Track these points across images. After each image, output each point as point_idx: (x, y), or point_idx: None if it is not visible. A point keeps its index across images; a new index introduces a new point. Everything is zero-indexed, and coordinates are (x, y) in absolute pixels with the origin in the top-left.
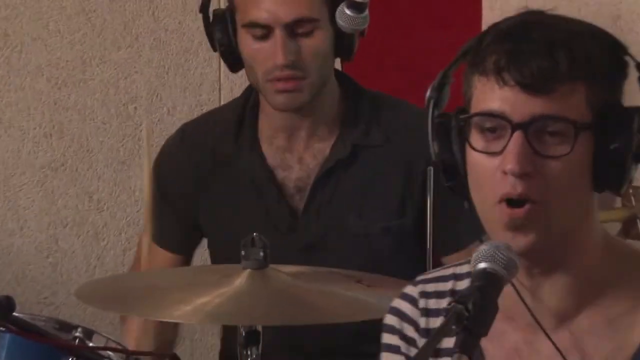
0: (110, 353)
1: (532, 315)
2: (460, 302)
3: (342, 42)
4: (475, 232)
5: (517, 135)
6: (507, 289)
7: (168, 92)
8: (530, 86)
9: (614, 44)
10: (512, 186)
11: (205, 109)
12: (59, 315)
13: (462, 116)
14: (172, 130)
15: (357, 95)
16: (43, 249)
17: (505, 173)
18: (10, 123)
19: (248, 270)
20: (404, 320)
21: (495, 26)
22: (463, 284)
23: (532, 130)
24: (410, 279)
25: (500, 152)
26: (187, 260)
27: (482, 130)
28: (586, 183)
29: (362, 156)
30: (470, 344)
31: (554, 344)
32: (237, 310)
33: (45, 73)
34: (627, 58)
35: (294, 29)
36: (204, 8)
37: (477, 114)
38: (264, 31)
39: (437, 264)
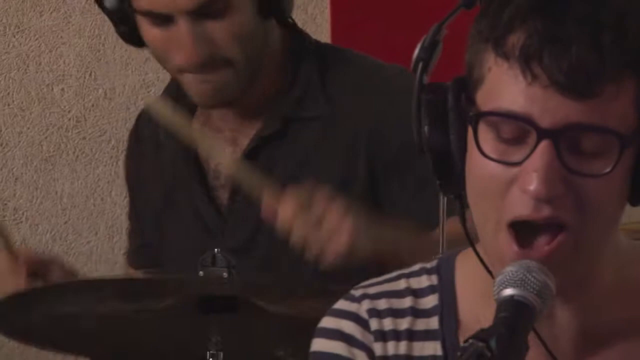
0: None
1: (546, 347)
2: (481, 339)
3: (267, 3)
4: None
5: (545, 145)
6: None
7: (105, 70)
8: (569, 86)
9: None
10: (534, 208)
11: (153, 92)
12: None
13: (471, 113)
14: (110, 118)
15: (301, 53)
16: None
17: (525, 192)
18: None
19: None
20: (353, 346)
21: None
22: (427, 302)
23: (565, 140)
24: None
25: (521, 163)
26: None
27: (500, 133)
28: (623, 200)
29: (295, 131)
30: None
31: None
32: None
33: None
34: None
35: (201, 14)
36: None
37: (494, 114)
38: (161, 18)
39: None
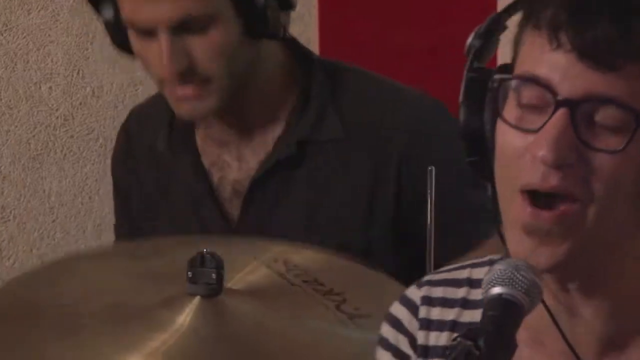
0: None
1: (567, 341)
2: (468, 338)
3: (251, 21)
4: (482, 229)
5: (562, 113)
6: (538, 307)
7: (93, 69)
8: (591, 55)
9: None
10: (542, 176)
11: (141, 91)
12: None
13: (497, 76)
14: (98, 116)
15: (309, 70)
16: None
17: (535, 158)
18: None
19: (197, 298)
20: (399, 331)
21: None
22: (479, 293)
23: (582, 110)
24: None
25: (537, 131)
26: None
27: (520, 98)
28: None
29: (313, 153)
30: None
31: None
32: None
33: None
34: None
35: (183, 28)
36: None
37: (516, 77)
38: (144, 31)
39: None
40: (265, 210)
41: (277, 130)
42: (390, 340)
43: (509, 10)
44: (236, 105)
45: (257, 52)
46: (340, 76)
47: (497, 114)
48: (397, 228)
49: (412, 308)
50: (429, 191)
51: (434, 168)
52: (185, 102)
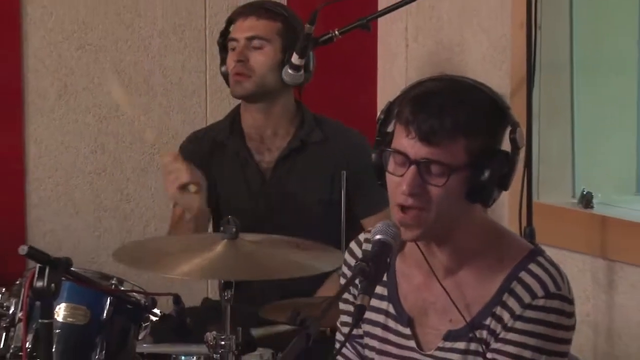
0: (134, 294)
1: (430, 266)
2: (363, 261)
3: (288, 52)
4: (386, 200)
5: (412, 168)
6: (415, 249)
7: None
8: (425, 139)
9: (498, 103)
10: (404, 199)
11: (192, 117)
12: (101, 269)
13: (382, 148)
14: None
15: (306, 112)
16: (90, 227)
17: (401, 191)
18: (70, 144)
19: (225, 240)
20: (353, 257)
21: (413, 88)
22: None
23: (422, 166)
24: (333, 242)
25: (402, 176)
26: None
27: (395, 158)
28: (462, 198)
29: (308, 148)
30: (370, 288)
31: (442, 285)
32: (218, 268)
33: (92, 111)
34: (509, 112)
35: (251, 42)
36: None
37: (392, 150)
38: (234, 43)
39: (357, 227)
40: (282, 176)
41: (288, 136)
42: (346, 258)
43: (390, 109)
44: (270, 122)
45: (280, 82)
46: (320, 116)
47: (386, 165)
48: (346, 192)
49: (359, 244)
50: (342, 190)
51: (345, 172)
52: (236, 82)
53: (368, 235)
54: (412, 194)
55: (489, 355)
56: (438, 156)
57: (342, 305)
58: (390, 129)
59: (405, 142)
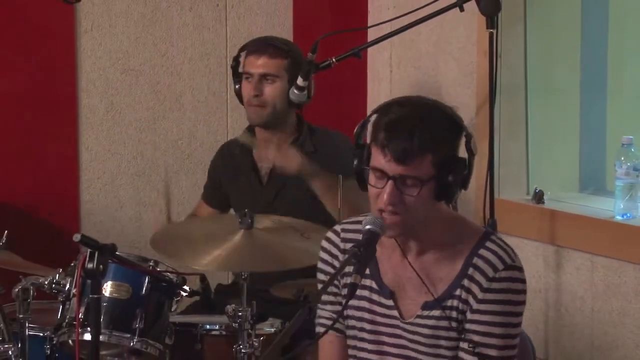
0: (168, 273)
1: (404, 254)
2: (355, 247)
3: (293, 103)
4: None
5: (390, 183)
6: (392, 241)
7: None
8: (399, 160)
9: (453, 119)
10: (384, 206)
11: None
12: (140, 254)
13: (363, 166)
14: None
15: (304, 126)
16: (132, 219)
17: (382, 200)
18: (115, 151)
19: (242, 230)
20: (331, 244)
21: (383, 115)
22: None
23: (399, 181)
24: (324, 224)
25: (382, 188)
26: (222, 212)
27: (375, 173)
28: (432, 200)
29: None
30: (361, 270)
31: (412, 266)
32: (236, 261)
33: (133, 124)
34: (463, 125)
35: (264, 77)
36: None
37: (371, 167)
38: (249, 76)
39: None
40: (279, 180)
41: (292, 146)
42: (325, 245)
43: (364, 124)
44: (275, 137)
45: (287, 105)
46: (315, 128)
47: (367, 179)
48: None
49: (337, 233)
50: (339, 191)
51: (341, 176)
52: (252, 112)
53: (344, 226)
54: (391, 202)
55: (467, 325)
56: (410, 172)
57: (324, 297)
58: (364, 140)
59: (383, 161)
